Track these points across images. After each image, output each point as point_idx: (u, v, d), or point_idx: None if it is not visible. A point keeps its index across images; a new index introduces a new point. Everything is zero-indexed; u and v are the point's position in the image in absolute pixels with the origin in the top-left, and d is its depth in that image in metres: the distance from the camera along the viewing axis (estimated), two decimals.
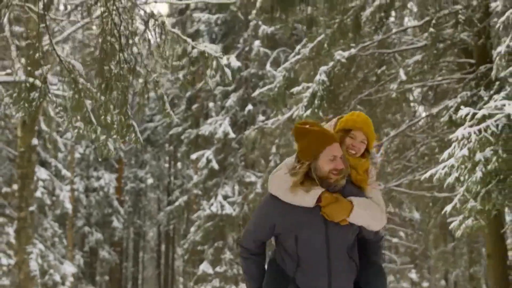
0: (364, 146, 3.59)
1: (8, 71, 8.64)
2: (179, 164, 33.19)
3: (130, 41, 4.48)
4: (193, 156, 21.47)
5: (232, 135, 20.32)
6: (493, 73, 6.42)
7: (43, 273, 16.37)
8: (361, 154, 3.60)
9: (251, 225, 3.56)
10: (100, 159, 5.78)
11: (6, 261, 15.89)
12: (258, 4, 9.29)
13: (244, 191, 19.90)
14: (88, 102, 4.81)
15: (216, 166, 20.52)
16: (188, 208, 24.86)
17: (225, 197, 20.47)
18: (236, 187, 20.70)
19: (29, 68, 5.43)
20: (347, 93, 10.45)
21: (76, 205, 26.60)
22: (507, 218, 12.29)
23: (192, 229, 21.32)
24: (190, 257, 22.64)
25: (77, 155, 27.49)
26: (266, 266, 3.61)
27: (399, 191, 11.94)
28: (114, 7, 4.26)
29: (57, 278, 17.12)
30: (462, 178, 5.72)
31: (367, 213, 3.40)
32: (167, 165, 34.75)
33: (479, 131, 5.51)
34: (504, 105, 5.52)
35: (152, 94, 5.16)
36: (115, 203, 29.37)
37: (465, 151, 5.47)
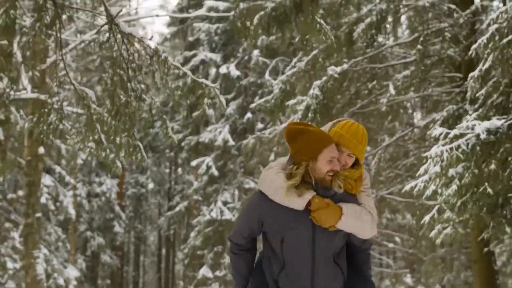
0: (353, 159, 3.46)
1: (23, 91, 9.11)
2: (179, 170, 33.28)
3: (137, 73, 4.98)
4: (193, 163, 21.69)
5: (231, 142, 20.57)
6: (468, 94, 6.87)
7: (47, 277, 16.62)
8: (351, 165, 3.47)
9: (239, 220, 3.51)
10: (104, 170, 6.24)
11: (12, 265, 16.24)
12: (255, 21, 9.70)
13: (243, 197, 20.08)
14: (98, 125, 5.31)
15: (216, 172, 20.78)
16: (189, 214, 24.99)
17: (225, 203, 20.72)
18: (236, 193, 20.98)
19: (47, 96, 5.90)
20: (340, 106, 10.81)
21: (79, 210, 26.76)
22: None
23: (192, 234, 21.54)
24: (190, 261, 22.85)
25: (79, 161, 27.73)
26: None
27: (391, 199, 12.34)
28: (124, 46, 4.74)
29: (61, 281, 17.36)
30: (439, 191, 6.16)
31: (357, 221, 3.32)
32: (167, 170, 34.83)
33: (451, 149, 5.92)
34: (475, 125, 5.98)
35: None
36: (117, 208, 29.48)
37: (437, 168, 5.88)
